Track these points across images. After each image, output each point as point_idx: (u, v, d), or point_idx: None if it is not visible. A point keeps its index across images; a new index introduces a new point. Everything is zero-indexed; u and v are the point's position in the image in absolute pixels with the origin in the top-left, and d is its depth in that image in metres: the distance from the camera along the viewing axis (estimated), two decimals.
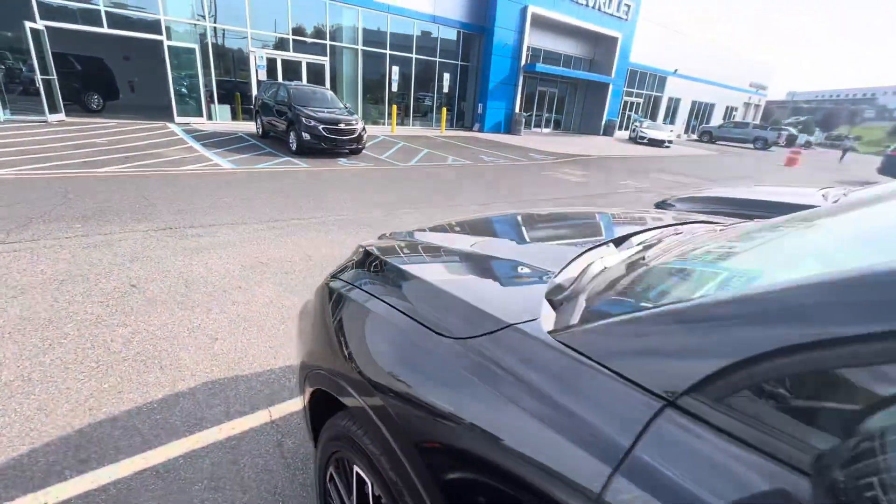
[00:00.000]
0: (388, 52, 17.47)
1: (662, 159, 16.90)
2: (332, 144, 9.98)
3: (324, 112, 10.11)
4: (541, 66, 20.54)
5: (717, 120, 36.04)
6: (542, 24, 20.40)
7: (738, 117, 38.28)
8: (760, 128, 30.71)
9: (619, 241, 1.31)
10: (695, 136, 32.83)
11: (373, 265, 1.39)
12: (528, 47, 20.36)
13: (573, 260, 1.10)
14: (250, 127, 13.49)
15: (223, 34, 14.17)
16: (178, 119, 13.49)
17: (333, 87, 15.92)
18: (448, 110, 19.33)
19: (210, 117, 14.34)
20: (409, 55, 18.14)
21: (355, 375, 1.03)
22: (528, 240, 1.56)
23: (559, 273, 1.04)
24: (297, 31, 15.41)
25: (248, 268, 3.71)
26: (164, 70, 13.13)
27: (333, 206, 5.98)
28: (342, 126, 10.02)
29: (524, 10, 19.15)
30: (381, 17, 16.83)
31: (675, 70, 29.78)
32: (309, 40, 15.73)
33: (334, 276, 1.45)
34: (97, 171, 6.74)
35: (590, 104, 25.62)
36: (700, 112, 35.04)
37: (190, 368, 2.36)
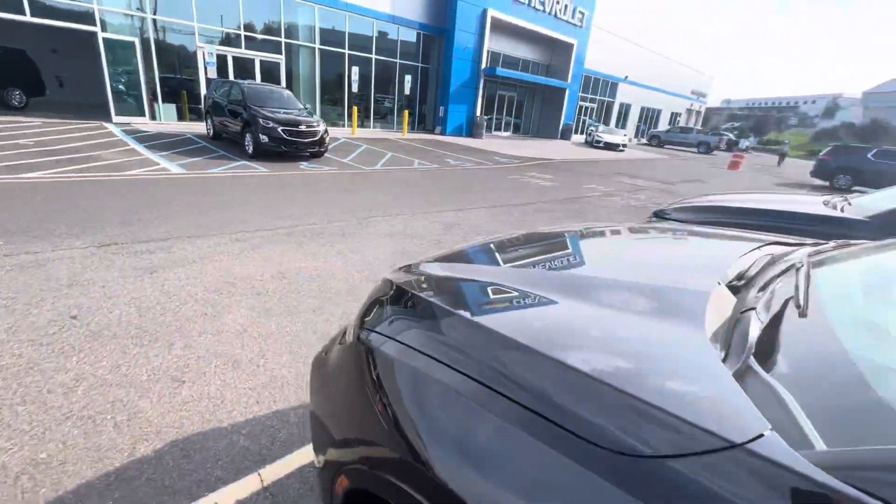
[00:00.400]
0: (346, 51, 16.91)
1: (619, 163, 17.41)
2: (292, 147, 9.41)
3: (282, 113, 9.52)
4: (501, 70, 20.66)
5: (663, 125, 37.91)
6: (501, 28, 20.53)
7: (681, 122, 40.51)
8: (703, 133, 32.61)
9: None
10: (644, 141, 34.29)
11: (421, 311, 1.08)
12: (488, 51, 20.41)
13: (703, 307, 0.86)
14: (200, 128, 12.55)
15: (167, 28, 13.12)
16: (116, 118, 12.32)
17: (289, 87, 15.14)
18: (409, 113, 19.00)
19: (154, 117, 13.24)
20: (369, 55, 17.66)
21: (430, 487, 0.73)
22: (614, 274, 1.25)
23: (707, 331, 0.79)
24: (249, 27, 14.56)
25: (214, 290, 3.25)
26: (98, 65, 11.95)
27: (301, 213, 5.53)
28: (303, 128, 9.48)
29: (483, 14, 19.18)
30: (338, 15, 16.26)
31: (626, 77, 31.02)
32: (262, 37, 14.91)
33: (366, 326, 1.12)
34: (21, 177, 5.90)
35: (547, 108, 26.10)
36: (648, 117, 36.72)
37: (154, 423, 1.94)
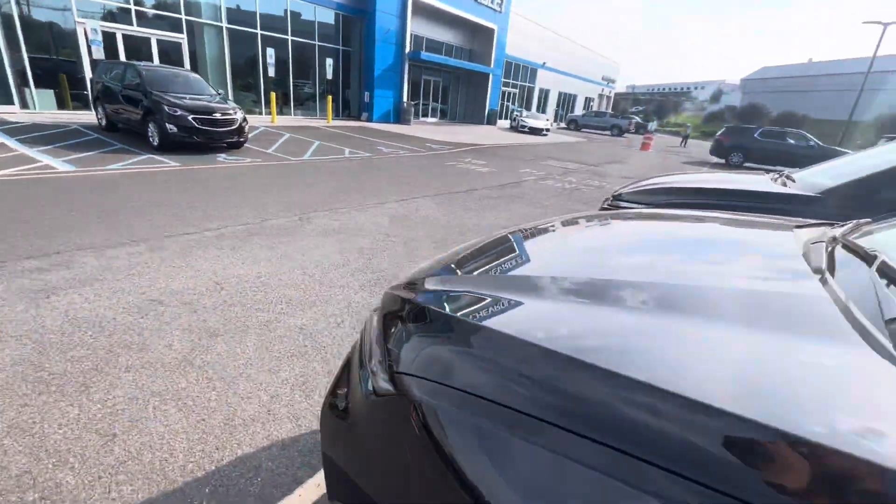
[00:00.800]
0: (258, 31, 15.54)
1: (545, 147, 17.97)
2: (206, 138, 8.44)
3: (190, 99, 8.48)
4: (425, 54, 20.30)
5: (578, 109, 39.95)
6: (423, 10, 20.12)
7: (594, 107, 42.97)
8: (615, 117, 34.84)
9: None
10: (563, 125, 35.88)
11: (479, 345, 0.83)
12: (412, 34, 19.94)
13: (838, 317, 0.73)
14: (89, 117, 10.88)
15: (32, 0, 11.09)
16: None
17: (195, 71, 13.65)
18: (333, 99, 18.04)
19: (26, 105, 11.23)
20: (285, 37, 16.40)
21: None
22: (691, 278, 1.05)
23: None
24: (140, 2, 12.79)
25: (135, 310, 2.71)
26: None
27: (229, 212, 4.91)
28: (218, 116, 8.52)
29: None
30: None
31: (544, 63, 32.06)
32: (157, 12, 13.19)
33: (402, 370, 0.84)
34: None
35: (472, 94, 26.25)
36: (565, 102, 38.43)
37: (81, 500, 1.51)
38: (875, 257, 0.92)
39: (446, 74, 24.63)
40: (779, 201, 2.72)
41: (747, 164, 17.71)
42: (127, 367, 2.18)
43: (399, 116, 20.12)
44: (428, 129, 19.21)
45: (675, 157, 19.87)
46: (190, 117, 8.11)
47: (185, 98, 8.41)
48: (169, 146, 8.16)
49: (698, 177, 3.56)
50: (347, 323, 2.81)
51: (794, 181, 2.99)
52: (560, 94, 36.61)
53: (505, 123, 28.18)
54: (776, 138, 17.64)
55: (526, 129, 23.38)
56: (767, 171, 3.44)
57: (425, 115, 24.18)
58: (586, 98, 41.68)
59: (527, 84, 31.61)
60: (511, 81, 29.53)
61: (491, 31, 24.06)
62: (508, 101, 30.01)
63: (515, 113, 25.64)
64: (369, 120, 19.20)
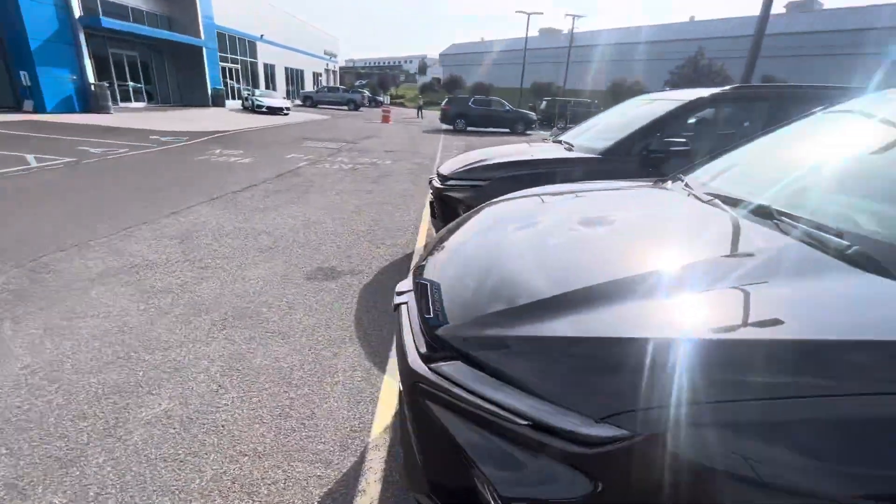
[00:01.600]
0: None
1: (293, 127, 17.10)
2: None
3: None
4: (108, 21, 15.83)
5: (308, 85, 39.02)
6: None
7: (323, 82, 42.78)
8: (347, 91, 35.64)
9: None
10: (299, 102, 34.53)
11: None
12: None
13: None
14: None
15: None
16: None
17: None
18: None
19: None
20: None
21: None
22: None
23: None
24: None
25: None
26: None
27: None
28: None
29: None
30: None
31: (262, 35, 29.63)
32: None
33: (627, 408, 0.79)
34: None
35: (186, 71, 22.24)
36: (293, 78, 36.86)
37: None
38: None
39: (145, 48, 19.93)
40: (577, 165, 3.48)
41: (469, 129, 21.22)
42: None
43: (89, 103, 15.39)
44: (139, 117, 15.44)
45: (416, 127, 22.01)
46: None
47: None
48: None
49: (508, 149, 4.09)
50: (229, 383, 2.22)
51: (572, 146, 3.85)
52: (287, 69, 34.83)
53: (236, 104, 25.15)
54: (484, 105, 21.67)
55: (263, 110, 21.53)
56: (543, 138, 4.31)
57: (127, 99, 19.24)
58: (314, 73, 41.02)
59: (248, 59, 28.73)
60: (230, 56, 26.27)
61: None
62: (232, 78, 26.75)
63: (246, 92, 23.21)
64: (40, 110, 14.02)
